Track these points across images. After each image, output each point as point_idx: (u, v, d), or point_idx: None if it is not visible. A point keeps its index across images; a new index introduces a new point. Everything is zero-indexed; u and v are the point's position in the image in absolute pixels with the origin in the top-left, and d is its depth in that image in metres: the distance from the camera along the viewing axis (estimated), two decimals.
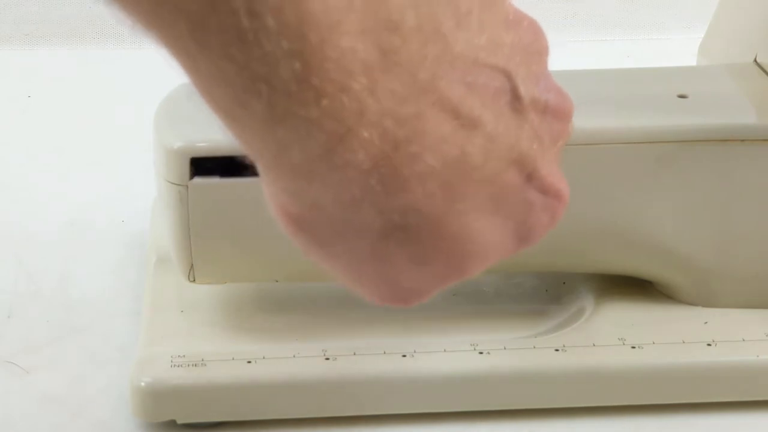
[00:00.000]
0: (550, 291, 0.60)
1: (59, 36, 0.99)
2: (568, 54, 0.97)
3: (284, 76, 0.28)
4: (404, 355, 0.53)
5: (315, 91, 0.28)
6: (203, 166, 0.52)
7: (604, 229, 0.55)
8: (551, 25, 1.19)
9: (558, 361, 0.54)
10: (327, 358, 0.53)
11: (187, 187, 0.51)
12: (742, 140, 0.54)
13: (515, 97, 0.32)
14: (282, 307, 0.58)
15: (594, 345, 0.55)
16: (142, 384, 0.52)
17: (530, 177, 0.34)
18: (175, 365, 0.52)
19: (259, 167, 0.32)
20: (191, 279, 0.54)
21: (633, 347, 0.55)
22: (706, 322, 0.57)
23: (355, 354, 0.53)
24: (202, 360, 0.53)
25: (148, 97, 0.56)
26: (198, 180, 0.51)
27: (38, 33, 0.99)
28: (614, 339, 0.55)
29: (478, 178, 0.32)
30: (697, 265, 0.56)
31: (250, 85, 0.28)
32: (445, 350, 0.54)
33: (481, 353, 0.54)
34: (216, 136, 0.51)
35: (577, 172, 0.53)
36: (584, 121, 0.54)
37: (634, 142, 0.53)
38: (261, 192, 0.33)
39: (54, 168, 0.78)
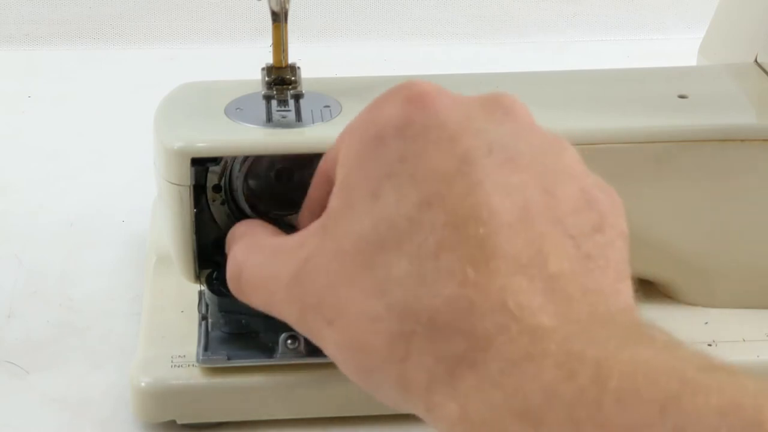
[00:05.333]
0: None
1: (59, 36, 0.99)
2: (569, 54, 0.97)
3: None
4: None
5: None
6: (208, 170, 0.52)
7: None
8: (551, 25, 1.19)
9: None
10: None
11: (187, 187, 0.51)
12: (742, 140, 0.54)
13: None
14: None
15: None
16: (142, 384, 0.52)
17: None
18: (175, 365, 0.52)
19: None
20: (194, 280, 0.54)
21: None
22: (706, 322, 0.57)
23: None
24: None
25: (148, 97, 0.56)
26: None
27: (38, 33, 0.99)
28: None
29: None
30: (697, 265, 0.56)
31: None
32: None
33: None
34: (216, 136, 0.51)
35: None
36: (584, 121, 0.54)
37: (634, 142, 0.53)
38: None
39: (54, 168, 0.77)
